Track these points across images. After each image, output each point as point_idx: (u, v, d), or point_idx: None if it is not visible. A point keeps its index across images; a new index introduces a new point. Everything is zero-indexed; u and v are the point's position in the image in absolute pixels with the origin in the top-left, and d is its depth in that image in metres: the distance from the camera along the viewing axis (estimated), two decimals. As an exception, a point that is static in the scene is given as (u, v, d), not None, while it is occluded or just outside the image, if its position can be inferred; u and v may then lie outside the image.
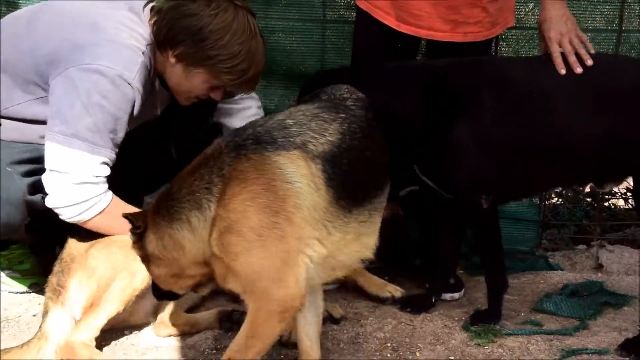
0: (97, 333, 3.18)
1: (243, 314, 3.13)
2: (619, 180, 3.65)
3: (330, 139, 2.78)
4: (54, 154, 3.17)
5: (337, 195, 2.71)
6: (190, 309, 3.63)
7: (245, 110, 3.99)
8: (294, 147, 2.70)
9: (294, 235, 2.60)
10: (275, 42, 4.58)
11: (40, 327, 3.27)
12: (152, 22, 3.35)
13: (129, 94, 3.21)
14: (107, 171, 3.24)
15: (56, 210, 3.23)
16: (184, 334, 3.44)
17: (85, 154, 3.16)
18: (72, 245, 3.44)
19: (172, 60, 3.36)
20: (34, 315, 3.65)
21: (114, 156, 3.25)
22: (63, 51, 3.21)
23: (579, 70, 3.40)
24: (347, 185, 2.76)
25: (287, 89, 4.74)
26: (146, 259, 2.83)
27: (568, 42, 3.51)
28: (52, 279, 3.39)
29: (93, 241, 3.40)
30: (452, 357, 3.31)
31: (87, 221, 3.26)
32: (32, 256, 3.99)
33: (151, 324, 3.53)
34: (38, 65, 3.26)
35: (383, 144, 3.05)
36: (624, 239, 4.59)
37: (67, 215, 3.23)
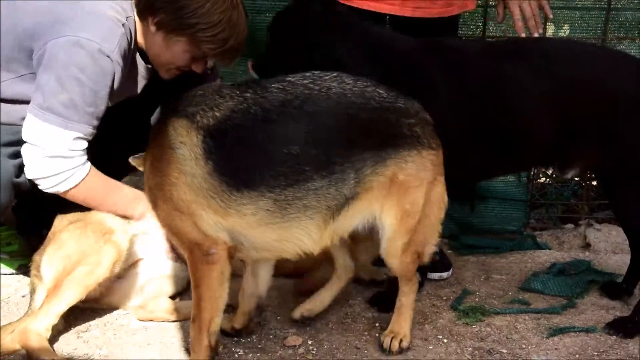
0: (55, 320, 3.14)
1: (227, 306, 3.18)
2: (580, 169, 3.62)
3: (217, 114, 2.82)
4: (30, 126, 3.16)
5: (217, 170, 2.77)
6: (174, 297, 3.61)
7: None
8: (184, 116, 2.84)
9: (180, 197, 2.80)
10: (262, 21, 4.55)
11: (29, 305, 3.27)
12: None
13: (108, 67, 3.19)
14: (82, 145, 3.22)
15: (35, 181, 3.24)
16: (162, 321, 3.42)
17: (58, 129, 3.14)
18: (56, 224, 3.45)
19: (153, 28, 3.33)
20: (23, 296, 3.64)
21: (90, 130, 3.23)
22: (43, 25, 3.18)
23: (536, 34, 3.55)
24: (229, 163, 2.79)
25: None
26: None
27: (528, 6, 3.60)
28: (36, 257, 3.39)
29: (73, 218, 3.40)
30: (440, 336, 3.32)
31: (63, 192, 3.26)
32: (19, 237, 3.98)
33: (131, 307, 3.53)
34: (21, 41, 3.22)
35: (302, 137, 2.85)
36: (612, 217, 4.59)
37: (43, 186, 3.23)
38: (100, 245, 3.25)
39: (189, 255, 2.88)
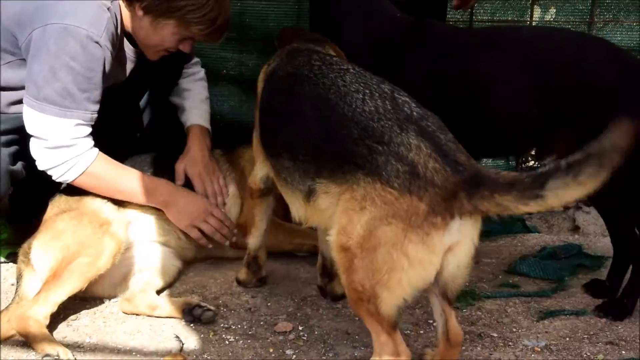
0: (54, 309, 3.14)
1: (206, 310, 3.28)
2: (558, 156, 3.47)
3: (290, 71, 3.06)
4: (30, 119, 3.19)
5: None
6: (161, 291, 3.61)
7: (194, 75, 4.09)
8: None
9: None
10: (250, 6, 4.54)
11: (16, 291, 3.27)
12: None
13: (98, 53, 3.18)
14: (85, 131, 3.25)
15: (47, 172, 3.28)
16: (146, 315, 3.40)
17: (57, 118, 3.16)
18: (48, 209, 3.47)
19: (140, 12, 3.31)
20: (12, 285, 3.61)
21: (90, 115, 3.25)
22: (28, 11, 3.17)
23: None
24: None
25: (262, 54, 4.71)
26: None
27: None
28: (24, 245, 3.40)
29: (66, 207, 3.42)
30: (430, 321, 3.33)
31: (73, 181, 3.31)
32: (9, 226, 3.96)
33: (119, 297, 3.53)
34: (6, 29, 3.20)
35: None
36: (600, 200, 4.61)
37: (54, 176, 3.29)
38: (99, 236, 3.27)
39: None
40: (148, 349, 3.12)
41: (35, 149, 3.23)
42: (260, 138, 3.19)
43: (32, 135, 3.22)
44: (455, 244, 2.54)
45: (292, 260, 4.02)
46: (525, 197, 2.34)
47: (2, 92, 3.29)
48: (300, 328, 3.27)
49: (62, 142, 3.20)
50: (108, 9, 3.24)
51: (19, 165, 3.32)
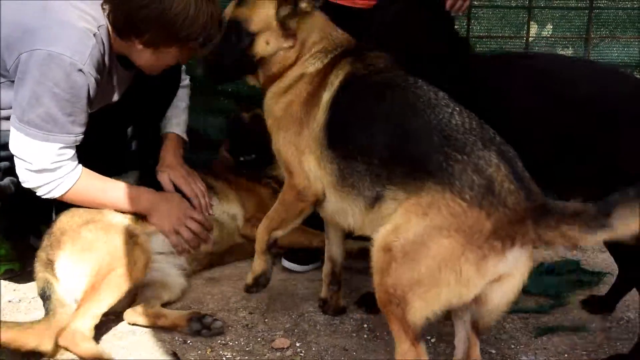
0: (97, 321, 3.17)
1: (215, 320, 3.28)
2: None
3: (356, 74, 3.03)
4: (14, 140, 3.22)
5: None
6: (165, 305, 3.59)
7: (183, 89, 4.11)
8: (348, 63, 3.10)
9: (303, 137, 3.05)
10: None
11: (49, 302, 3.23)
12: (106, 8, 3.30)
13: (81, 81, 3.19)
14: (69, 153, 3.28)
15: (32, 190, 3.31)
16: (151, 326, 3.39)
17: (40, 142, 3.19)
18: (65, 220, 3.45)
19: (140, 46, 3.32)
20: (10, 301, 3.62)
21: (74, 139, 3.27)
22: (15, 35, 3.17)
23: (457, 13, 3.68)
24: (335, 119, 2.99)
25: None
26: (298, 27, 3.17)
27: None
28: (41, 254, 3.40)
29: (88, 217, 3.42)
30: (428, 337, 3.32)
31: (59, 197, 3.34)
32: (6, 242, 3.94)
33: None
34: None
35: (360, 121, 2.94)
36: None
37: (39, 193, 3.32)
38: (130, 248, 3.31)
39: (287, 181, 3.14)
40: (146, 365, 3.11)
41: (20, 170, 3.27)
42: (326, 139, 2.97)
43: (15, 155, 3.24)
44: (506, 275, 2.51)
45: (289, 276, 4.02)
46: (592, 227, 2.32)
47: None
48: (297, 344, 3.27)
49: (45, 166, 3.23)
50: (94, 34, 3.24)
51: (6, 180, 3.34)
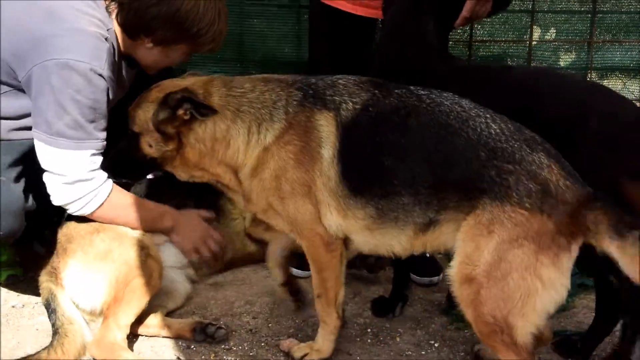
0: (128, 331, 3.18)
1: (219, 328, 3.28)
2: None
3: (355, 109, 2.87)
4: (44, 154, 3.18)
5: (343, 173, 2.87)
6: (169, 314, 3.58)
7: None
8: (332, 109, 2.91)
9: (317, 196, 2.92)
10: (250, 27, 4.56)
11: (54, 311, 3.20)
12: (114, 10, 3.31)
13: (102, 85, 3.18)
14: (99, 161, 3.26)
15: (63, 207, 3.28)
16: (154, 335, 3.39)
17: (72, 151, 3.16)
18: (72, 227, 3.43)
19: (149, 45, 3.33)
20: (13, 307, 3.62)
21: (101, 143, 3.25)
22: (25, 45, 3.14)
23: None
24: (351, 165, 2.86)
25: (263, 73, 4.72)
26: (184, 133, 3.01)
27: (484, 10, 3.55)
28: (45, 261, 3.39)
29: (96, 225, 3.38)
30: (432, 341, 3.31)
31: (90, 214, 3.30)
32: (9, 248, 3.94)
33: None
34: (3, 61, 3.17)
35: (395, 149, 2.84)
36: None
37: (71, 210, 3.28)
38: (144, 258, 3.30)
39: (310, 244, 3.02)
40: (150, 370, 3.11)
41: (52, 185, 3.23)
42: (347, 189, 2.86)
43: (46, 171, 3.21)
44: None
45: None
46: (616, 230, 2.47)
47: (5, 121, 3.26)
48: (301, 349, 3.26)
49: (80, 176, 3.20)
50: (106, 39, 3.24)
51: (30, 200, 3.31)
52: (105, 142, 3.27)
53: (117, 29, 3.34)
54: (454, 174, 2.68)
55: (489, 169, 2.61)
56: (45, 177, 3.22)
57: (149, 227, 3.47)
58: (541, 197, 2.54)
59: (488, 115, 2.73)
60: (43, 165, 3.19)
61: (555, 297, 2.57)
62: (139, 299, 3.21)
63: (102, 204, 3.27)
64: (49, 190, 3.24)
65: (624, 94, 5.26)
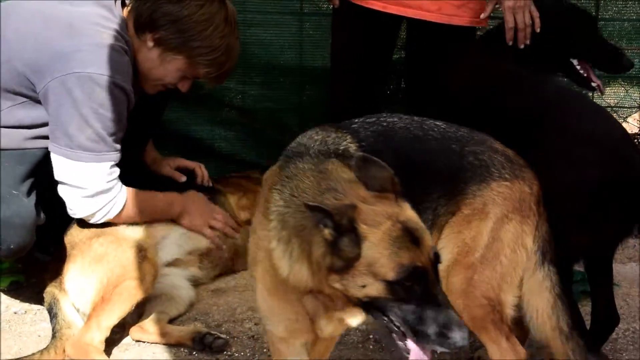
0: (108, 333, 3.18)
1: (217, 338, 3.29)
2: None
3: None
4: (63, 168, 3.19)
5: None
6: (172, 321, 3.59)
7: None
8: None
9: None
10: (253, 35, 4.57)
11: (55, 316, 3.26)
12: (132, 7, 3.34)
13: (123, 97, 3.20)
14: (117, 171, 3.29)
15: (84, 219, 3.33)
16: (155, 342, 3.40)
17: (93, 164, 3.18)
18: (75, 233, 3.46)
19: (150, 43, 3.33)
20: (15, 313, 3.63)
21: (119, 155, 3.28)
22: (44, 59, 3.13)
23: (521, 46, 3.54)
24: None
25: (265, 82, 4.74)
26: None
27: (522, 15, 3.52)
28: (51, 267, 3.42)
29: (97, 230, 3.40)
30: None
31: (113, 219, 3.35)
32: (12, 255, 3.95)
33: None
34: (18, 74, 3.15)
35: None
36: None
37: (93, 220, 3.33)
38: (139, 261, 3.32)
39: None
40: (151, 377, 3.11)
41: (72, 198, 3.24)
42: None
43: (64, 184, 3.22)
44: None
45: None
46: None
47: (18, 130, 3.26)
48: (303, 356, 3.26)
49: (100, 188, 3.22)
50: (126, 52, 3.25)
51: (41, 214, 3.31)
52: (120, 154, 3.29)
53: (131, 25, 3.36)
54: (442, 174, 2.69)
55: (466, 156, 2.66)
56: (63, 191, 3.24)
57: (162, 217, 3.60)
58: (510, 165, 2.65)
59: (425, 119, 2.79)
60: (61, 179, 3.21)
61: (528, 263, 2.64)
62: (124, 301, 3.23)
63: (122, 209, 3.33)
64: (67, 204, 3.26)
65: (627, 102, 5.28)
